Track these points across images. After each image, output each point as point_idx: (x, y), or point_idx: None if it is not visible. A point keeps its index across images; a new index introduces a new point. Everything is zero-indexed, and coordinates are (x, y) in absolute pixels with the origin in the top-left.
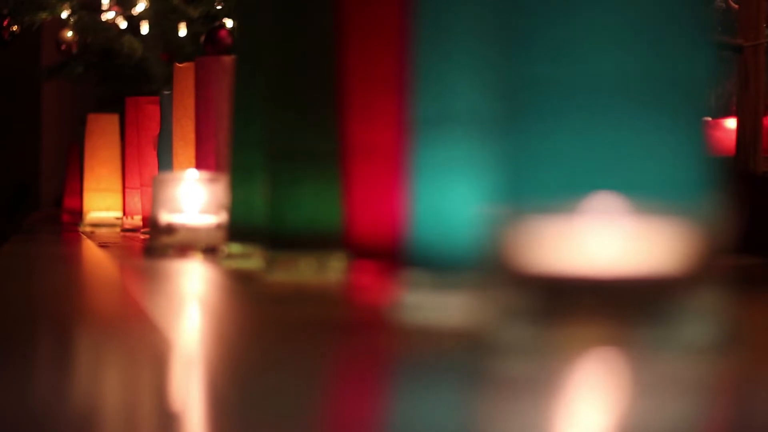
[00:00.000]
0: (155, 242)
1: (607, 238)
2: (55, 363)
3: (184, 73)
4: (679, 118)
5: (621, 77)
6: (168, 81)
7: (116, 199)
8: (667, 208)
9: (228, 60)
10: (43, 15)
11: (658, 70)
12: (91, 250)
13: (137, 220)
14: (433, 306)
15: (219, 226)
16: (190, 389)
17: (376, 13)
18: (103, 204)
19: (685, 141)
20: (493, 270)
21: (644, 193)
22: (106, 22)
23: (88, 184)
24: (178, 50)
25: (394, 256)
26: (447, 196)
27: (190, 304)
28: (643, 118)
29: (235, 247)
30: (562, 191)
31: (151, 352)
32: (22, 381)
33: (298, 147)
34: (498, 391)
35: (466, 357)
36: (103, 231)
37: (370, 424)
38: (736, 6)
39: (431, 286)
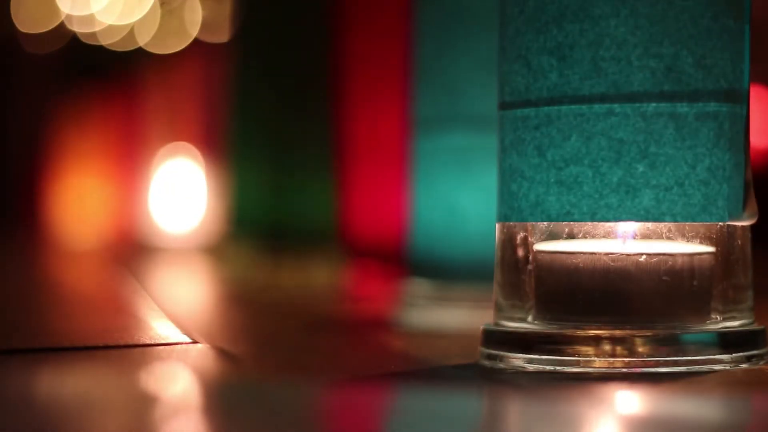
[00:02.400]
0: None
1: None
2: None
3: (171, 60)
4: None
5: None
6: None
7: (101, 202)
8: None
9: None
10: None
11: (699, 84)
12: None
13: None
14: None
15: (217, 221)
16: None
17: (379, 11)
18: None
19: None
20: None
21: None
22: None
23: (66, 185)
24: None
25: (395, 256)
26: (448, 202)
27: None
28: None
29: (239, 244)
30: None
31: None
32: None
33: (302, 142)
34: None
35: None
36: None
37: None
38: None
39: (431, 297)
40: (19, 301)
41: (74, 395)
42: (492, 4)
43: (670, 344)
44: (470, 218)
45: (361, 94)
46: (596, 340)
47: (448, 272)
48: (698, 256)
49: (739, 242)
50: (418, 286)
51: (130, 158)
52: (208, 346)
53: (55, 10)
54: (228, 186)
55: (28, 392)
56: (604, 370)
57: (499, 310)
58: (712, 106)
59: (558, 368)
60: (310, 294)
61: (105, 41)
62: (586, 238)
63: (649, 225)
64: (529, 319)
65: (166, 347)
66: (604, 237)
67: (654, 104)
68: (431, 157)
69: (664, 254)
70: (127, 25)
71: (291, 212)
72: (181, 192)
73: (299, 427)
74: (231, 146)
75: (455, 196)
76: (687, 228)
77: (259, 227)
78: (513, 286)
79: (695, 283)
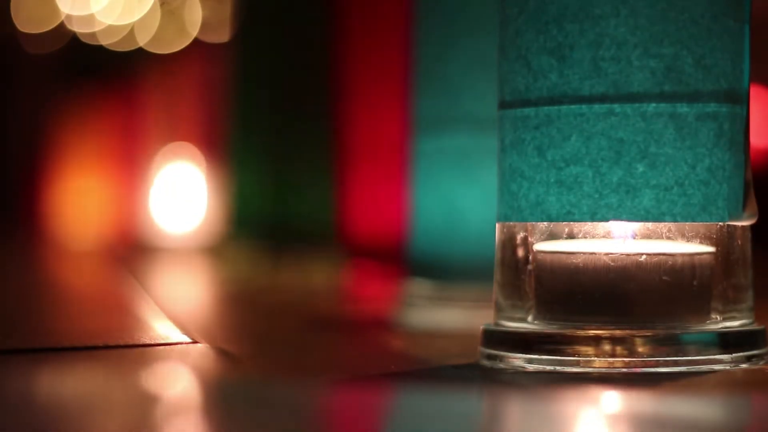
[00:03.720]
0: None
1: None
2: None
3: (171, 60)
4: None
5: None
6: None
7: (101, 203)
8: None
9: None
10: None
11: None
12: None
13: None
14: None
15: (217, 221)
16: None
17: (380, 12)
18: (86, 210)
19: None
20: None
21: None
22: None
23: (66, 186)
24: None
25: (395, 256)
26: (448, 202)
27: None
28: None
29: (239, 244)
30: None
31: None
32: None
33: (302, 142)
34: None
35: None
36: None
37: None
38: None
39: (431, 297)
40: (19, 301)
41: (74, 395)
42: (492, 5)
43: (670, 344)
44: (470, 218)
45: (361, 94)
46: (596, 340)
47: (448, 272)
48: (698, 256)
49: (739, 242)
50: (418, 286)
51: (130, 158)
52: (208, 346)
53: (55, 10)
54: (228, 186)
55: (28, 392)
56: (604, 370)
57: (499, 310)
58: (712, 107)
59: (558, 368)
60: (310, 294)
61: (105, 41)
62: (586, 238)
63: (649, 225)
64: (529, 319)
65: (166, 347)
66: (604, 237)
67: (654, 104)
68: (431, 157)
69: (664, 254)
70: (127, 25)
71: (291, 212)
72: (181, 192)
73: (299, 427)
74: (231, 146)
75: (455, 196)
76: (687, 228)
77: (259, 227)
78: (513, 286)
79: (695, 283)
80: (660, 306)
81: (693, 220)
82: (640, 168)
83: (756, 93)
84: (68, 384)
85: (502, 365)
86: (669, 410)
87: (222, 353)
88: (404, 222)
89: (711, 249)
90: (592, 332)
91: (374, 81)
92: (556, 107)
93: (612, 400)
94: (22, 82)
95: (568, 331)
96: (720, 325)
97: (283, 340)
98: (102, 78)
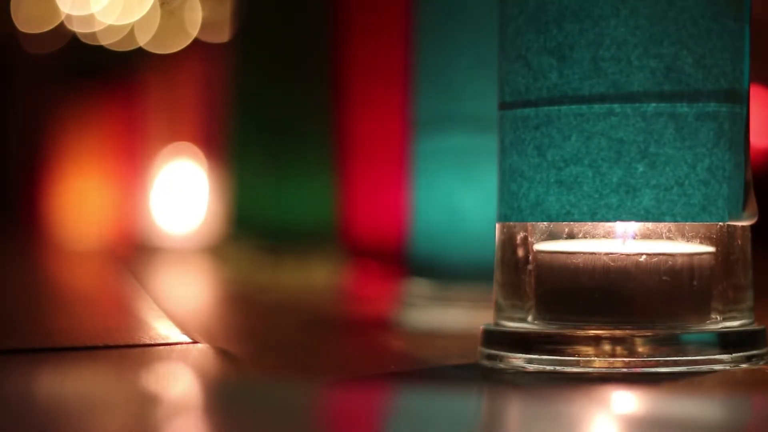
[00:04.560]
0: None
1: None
2: None
3: (171, 60)
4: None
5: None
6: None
7: (101, 203)
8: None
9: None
10: None
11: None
12: None
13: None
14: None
15: (217, 221)
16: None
17: (380, 11)
18: (86, 211)
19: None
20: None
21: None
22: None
23: (66, 186)
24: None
25: (395, 256)
26: (448, 202)
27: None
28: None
29: (240, 244)
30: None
31: None
32: None
33: (302, 142)
34: None
35: None
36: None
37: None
38: None
39: (431, 297)
40: (19, 301)
41: (74, 395)
42: (492, 4)
43: (670, 344)
44: (470, 218)
45: (362, 94)
46: (596, 340)
47: (448, 272)
48: (698, 256)
49: (739, 242)
50: (418, 286)
51: (131, 158)
52: (208, 346)
53: (55, 10)
54: (228, 186)
55: (28, 392)
56: (604, 370)
57: (499, 310)
58: (712, 106)
59: (558, 368)
60: (310, 294)
61: (105, 41)
62: (586, 238)
63: (649, 225)
64: (529, 319)
65: (166, 347)
66: (604, 237)
67: (654, 104)
68: (431, 158)
69: (664, 254)
70: (127, 25)
71: (291, 212)
72: (181, 192)
73: (299, 427)
74: (231, 146)
75: (455, 196)
76: (687, 228)
77: (260, 227)
78: (513, 286)
79: (695, 283)
80: (660, 306)
81: (693, 220)
82: (640, 168)
83: (756, 93)
84: (68, 384)
85: (502, 365)
86: (669, 410)
87: (222, 353)
88: (404, 222)
89: (711, 249)
90: (592, 332)
91: (374, 80)
92: (556, 107)
93: (612, 400)
94: (22, 82)
95: (568, 331)
96: (720, 325)
97: (283, 340)
98: (102, 78)
